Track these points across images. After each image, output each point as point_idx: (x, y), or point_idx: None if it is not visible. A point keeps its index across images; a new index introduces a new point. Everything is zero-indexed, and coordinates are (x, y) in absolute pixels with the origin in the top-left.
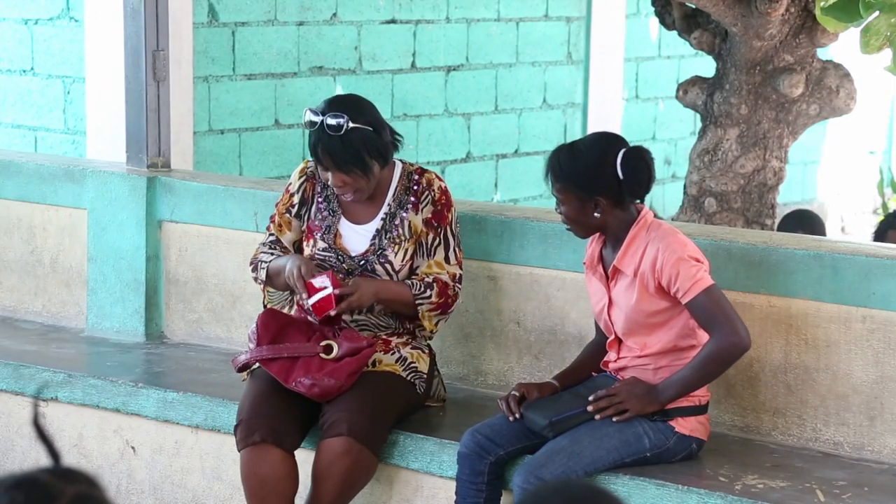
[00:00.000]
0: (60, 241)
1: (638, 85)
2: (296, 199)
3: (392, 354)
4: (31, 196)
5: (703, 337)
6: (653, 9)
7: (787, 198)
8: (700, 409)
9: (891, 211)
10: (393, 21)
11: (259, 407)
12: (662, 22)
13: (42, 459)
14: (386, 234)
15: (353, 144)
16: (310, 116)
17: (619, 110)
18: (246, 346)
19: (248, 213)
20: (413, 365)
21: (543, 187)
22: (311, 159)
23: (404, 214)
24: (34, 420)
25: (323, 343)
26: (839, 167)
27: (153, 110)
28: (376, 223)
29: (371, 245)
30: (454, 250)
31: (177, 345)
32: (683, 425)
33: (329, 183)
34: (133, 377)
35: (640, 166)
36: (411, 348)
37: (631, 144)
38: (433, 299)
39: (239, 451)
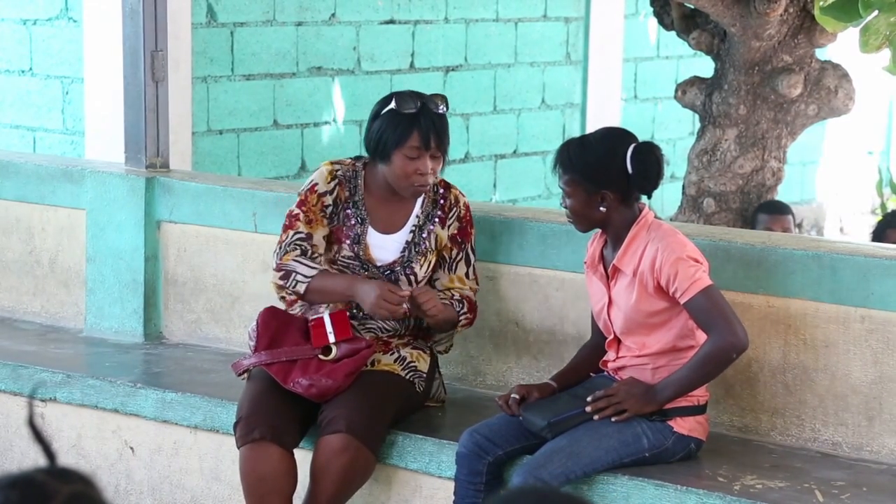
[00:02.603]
0: (59, 241)
1: (636, 85)
2: (328, 200)
3: (391, 355)
4: (30, 196)
5: (702, 338)
6: (651, 9)
7: (786, 198)
8: (699, 409)
9: (889, 211)
10: (391, 21)
11: (259, 404)
12: (661, 22)
13: (41, 460)
14: (415, 247)
15: (448, 129)
16: (405, 102)
17: (617, 110)
18: (245, 345)
19: (247, 213)
20: (412, 364)
21: (542, 187)
22: (337, 161)
23: (431, 227)
24: (29, 420)
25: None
26: (838, 167)
27: (152, 111)
28: (405, 234)
29: (400, 256)
30: (473, 267)
31: (175, 345)
32: (682, 425)
33: (417, 172)
34: (132, 377)
35: (650, 161)
36: (411, 348)
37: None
38: (468, 315)
39: (238, 447)
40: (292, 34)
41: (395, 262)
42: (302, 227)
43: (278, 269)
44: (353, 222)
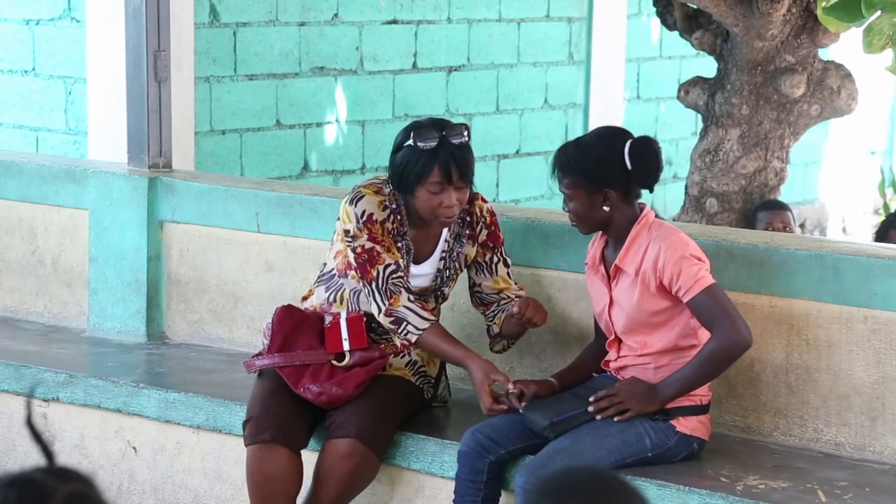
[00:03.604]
0: (62, 241)
1: (639, 85)
2: (389, 227)
3: (402, 358)
4: (33, 196)
5: (704, 337)
6: (654, 9)
7: (788, 198)
8: (701, 409)
9: (892, 211)
10: (394, 21)
11: (270, 405)
12: (664, 22)
13: (44, 460)
14: (447, 272)
15: (472, 158)
16: (424, 136)
17: (620, 111)
18: (248, 344)
19: (250, 213)
20: (422, 369)
21: (545, 188)
22: (374, 188)
23: (460, 249)
24: (27, 419)
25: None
26: (840, 167)
27: (154, 111)
28: (435, 262)
29: (432, 283)
30: (510, 270)
31: (178, 345)
32: (685, 425)
33: (442, 205)
34: (134, 378)
35: (649, 155)
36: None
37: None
38: None
39: (246, 446)
40: (295, 34)
41: (427, 288)
42: (387, 257)
43: (388, 315)
44: (402, 253)
